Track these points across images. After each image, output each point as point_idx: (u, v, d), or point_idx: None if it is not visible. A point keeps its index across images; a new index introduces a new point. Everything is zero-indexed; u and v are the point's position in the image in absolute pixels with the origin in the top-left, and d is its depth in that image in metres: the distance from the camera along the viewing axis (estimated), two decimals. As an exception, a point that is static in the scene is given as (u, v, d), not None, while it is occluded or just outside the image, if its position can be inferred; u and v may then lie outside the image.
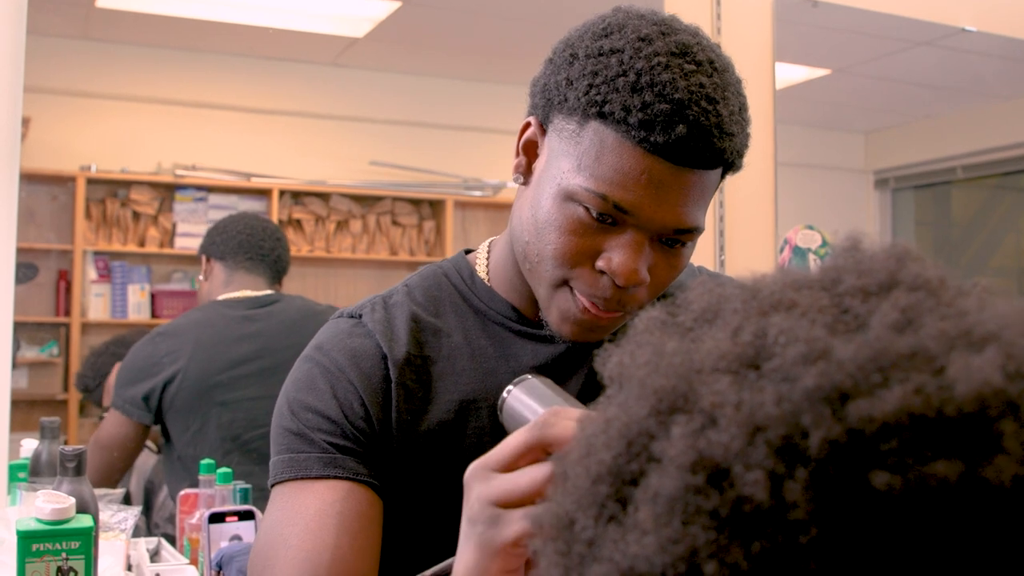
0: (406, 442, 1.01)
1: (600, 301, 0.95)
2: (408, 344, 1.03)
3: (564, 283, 0.97)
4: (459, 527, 0.77)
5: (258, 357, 2.19)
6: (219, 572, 1.45)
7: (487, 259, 1.10)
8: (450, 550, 0.95)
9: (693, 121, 0.87)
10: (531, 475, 0.65)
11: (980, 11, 3.04)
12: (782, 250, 2.72)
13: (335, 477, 0.98)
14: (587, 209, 0.92)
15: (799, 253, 2.70)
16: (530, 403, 0.79)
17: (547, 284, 0.98)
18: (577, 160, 0.92)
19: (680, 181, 0.90)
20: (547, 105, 0.96)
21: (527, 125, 1.00)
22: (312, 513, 0.97)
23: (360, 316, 1.06)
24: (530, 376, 0.82)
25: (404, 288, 1.09)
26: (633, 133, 0.88)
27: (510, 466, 0.67)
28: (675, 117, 0.87)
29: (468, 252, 1.13)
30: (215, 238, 2.35)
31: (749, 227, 2.69)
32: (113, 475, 2.17)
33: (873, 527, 0.33)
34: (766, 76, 2.70)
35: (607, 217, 0.92)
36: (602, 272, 0.94)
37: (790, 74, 3.22)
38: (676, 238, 0.94)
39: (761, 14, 2.71)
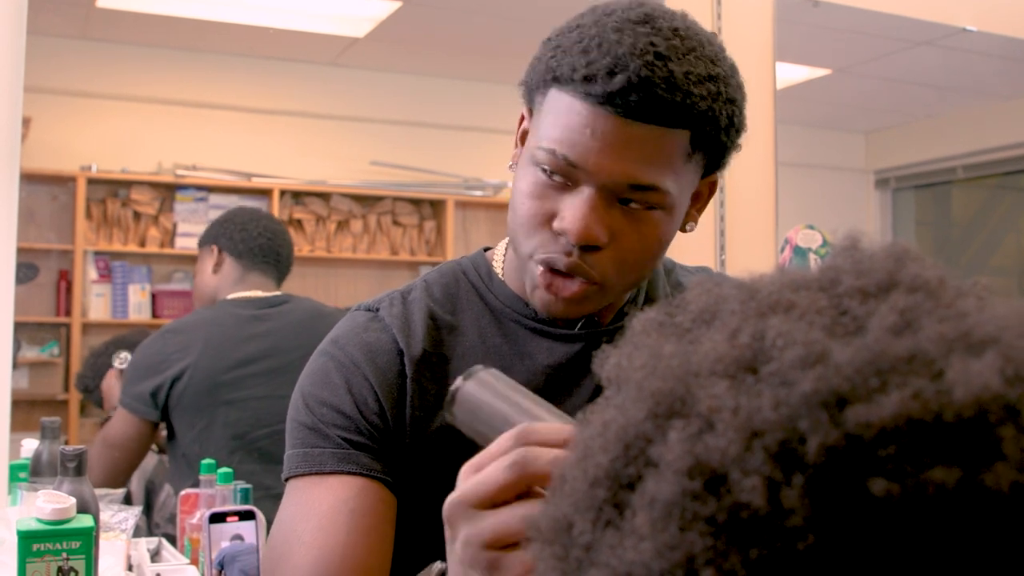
0: (418, 438, 1.01)
1: (560, 261, 0.95)
2: (424, 341, 1.03)
3: (531, 256, 0.98)
4: None
5: (266, 356, 2.18)
6: (220, 572, 1.45)
7: (504, 256, 1.10)
8: None
9: (635, 72, 0.88)
10: (523, 513, 0.63)
11: (981, 11, 3.03)
12: (783, 250, 2.72)
13: (348, 473, 0.99)
14: (544, 170, 0.94)
15: (800, 253, 2.70)
16: (491, 401, 0.74)
17: (522, 259, 0.99)
18: (539, 128, 0.95)
19: (628, 134, 0.90)
20: (529, 92, 1.00)
21: (522, 117, 1.03)
22: (325, 509, 0.97)
23: (377, 310, 1.06)
24: (481, 369, 0.77)
25: (423, 284, 1.09)
26: (579, 88, 0.90)
27: (495, 504, 0.65)
28: (615, 68, 0.89)
29: (487, 250, 1.14)
30: (233, 234, 2.30)
31: (750, 227, 2.69)
32: (121, 474, 2.16)
33: (871, 534, 0.33)
34: (767, 76, 2.70)
35: (559, 174, 0.93)
36: (560, 234, 0.94)
37: (791, 74, 3.22)
38: (633, 196, 0.93)
39: (762, 14, 2.71)
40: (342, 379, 1.02)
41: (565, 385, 1.04)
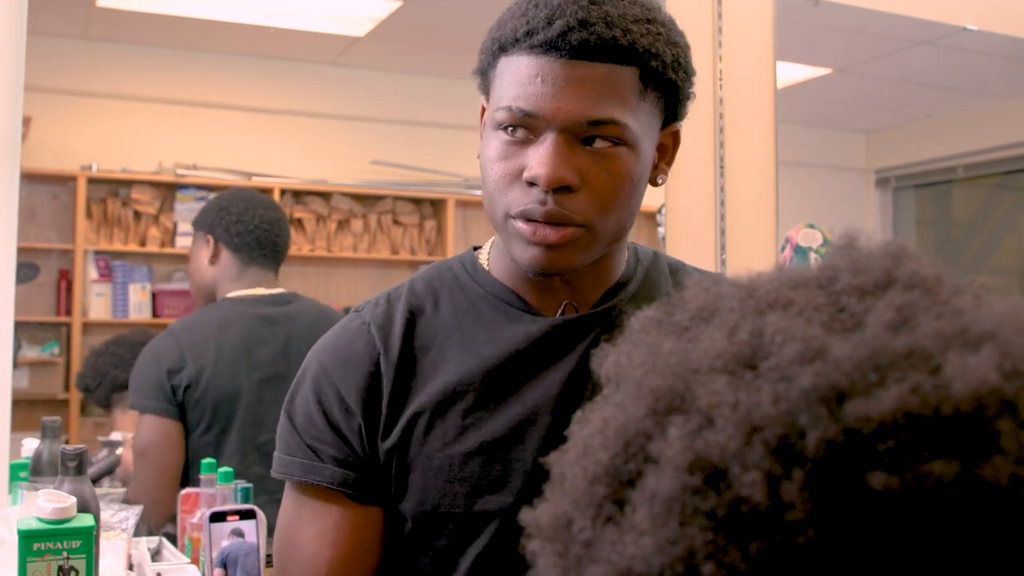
0: (392, 428, 1.05)
1: (536, 212, 0.97)
2: (402, 336, 1.07)
3: (508, 215, 1.00)
4: (449, 513, 0.90)
5: (276, 361, 2.15)
6: (224, 571, 1.45)
7: (489, 249, 1.13)
8: (443, 531, 1.01)
9: (572, 15, 0.94)
10: None
11: (981, 10, 3.03)
12: (783, 249, 2.72)
13: (329, 487, 1.05)
14: (505, 129, 0.98)
15: (800, 252, 2.70)
16: None
17: (500, 223, 1.02)
18: (494, 97, 1.00)
19: (576, 74, 0.94)
20: (482, 76, 1.04)
21: (483, 110, 1.07)
22: (311, 536, 1.05)
23: (362, 310, 1.11)
24: None
25: (409, 282, 1.13)
26: (523, 45, 0.95)
27: None
28: (553, 16, 0.94)
29: (477, 249, 1.17)
30: (229, 226, 2.22)
31: (750, 226, 2.68)
32: (164, 480, 2.04)
33: (870, 527, 0.33)
34: (767, 75, 2.70)
35: (519, 129, 0.97)
36: (532, 184, 0.97)
37: (791, 73, 3.21)
38: (594, 133, 0.96)
39: (762, 13, 2.71)
40: (312, 389, 1.07)
41: (533, 368, 1.05)
